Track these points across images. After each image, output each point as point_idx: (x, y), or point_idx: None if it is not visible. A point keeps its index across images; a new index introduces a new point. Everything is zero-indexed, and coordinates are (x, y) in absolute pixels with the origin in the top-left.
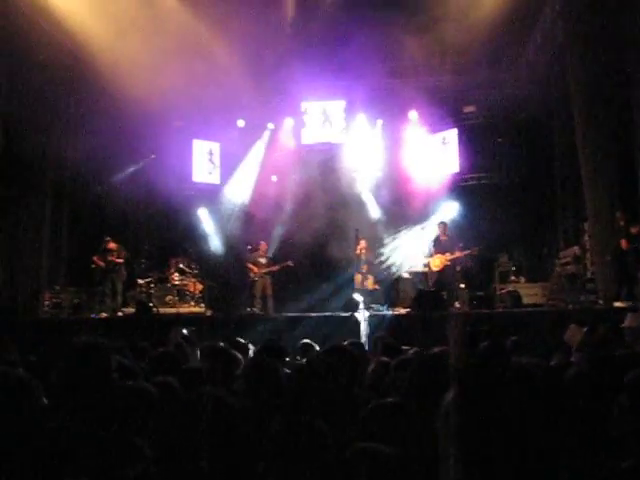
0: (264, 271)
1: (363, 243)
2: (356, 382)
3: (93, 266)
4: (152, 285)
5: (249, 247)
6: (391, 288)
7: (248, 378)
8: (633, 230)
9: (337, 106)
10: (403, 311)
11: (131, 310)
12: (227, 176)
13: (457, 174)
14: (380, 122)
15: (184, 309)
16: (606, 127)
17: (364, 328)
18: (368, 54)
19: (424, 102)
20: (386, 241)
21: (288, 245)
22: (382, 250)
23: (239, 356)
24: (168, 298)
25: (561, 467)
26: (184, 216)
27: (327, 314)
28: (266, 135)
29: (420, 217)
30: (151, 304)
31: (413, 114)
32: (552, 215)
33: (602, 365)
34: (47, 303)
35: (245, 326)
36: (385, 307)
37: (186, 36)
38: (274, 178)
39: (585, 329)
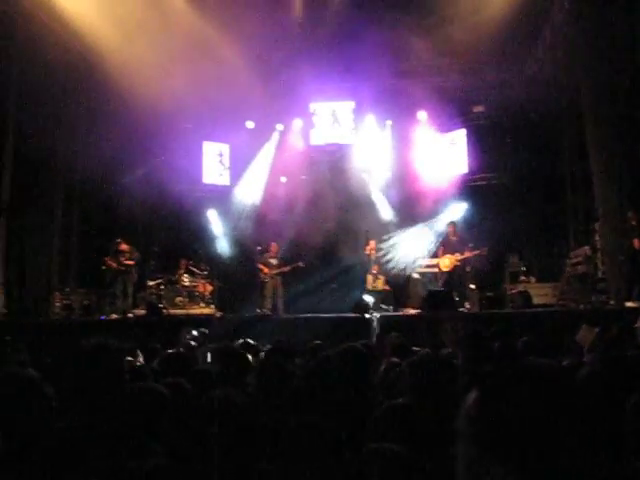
0: (275, 272)
1: (373, 244)
2: (368, 383)
3: (104, 267)
4: (162, 286)
5: (259, 248)
6: (401, 289)
7: (259, 379)
8: None
9: (346, 107)
10: (413, 311)
11: (141, 311)
12: (236, 177)
13: (466, 174)
14: (389, 122)
15: (194, 310)
16: (616, 127)
17: (375, 329)
18: (377, 55)
19: (433, 102)
20: (395, 241)
21: (298, 246)
22: (392, 250)
23: (250, 357)
24: (178, 299)
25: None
26: (194, 217)
27: (337, 315)
28: (275, 136)
29: (429, 217)
30: (161, 305)
31: (422, 114)
32: (562, 215)
33: (614, 365)
34: (58, 304)
35: (255, 327)
36: (391, 308)
37: (194, 38)
38: (283, 179)
39: (597, 329)
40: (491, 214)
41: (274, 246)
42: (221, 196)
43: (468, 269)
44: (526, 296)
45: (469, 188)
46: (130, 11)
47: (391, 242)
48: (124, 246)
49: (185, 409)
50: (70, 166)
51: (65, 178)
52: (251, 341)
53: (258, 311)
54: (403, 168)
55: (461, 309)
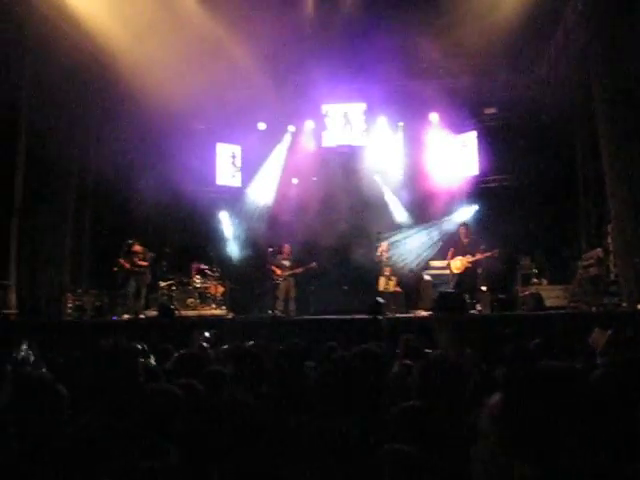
0: (287, 273)
1: (385, 245)
2: (381, 384)
3: (115, 269)
4: (173, 288)
5: (270, 249)
6: (412, 290)
7: (272, 380)
8: None
9: (357, 108)
10: (425, 313)
11: (153, 313)
12: (248, 179)
13: (478, 176)
14: (401, 124)
15: (205, 311)
16: (629, 129)
17: (387, 331)
18: (388, 56)
19: (445, 104)
20: (407, 243)
21: (311, 247)
22: (403, 252)
23: (263, 358)
24: (189, 301)
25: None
26: (206, 219)
27: (350, 317)
28: (287, 138)
29: (441, 219)
30: (172, 307)
31: (434, 116)
32: (574, 217)
33: (627, 368)
34: (70, 305)
35: (267, 328)
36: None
37: (206, 39)
38: (295, 180)
39: (609, 332)
40: (503, 216)
41: (286, 248)
42: (233, 197)
43: (479, 271)
44: (538, 298)
45: (481, 190)
46: (142, 12)
47: (403, 243)
48: (137, 247)
49: (198, 410)
50: (82, 167)
51: (77, 179)
52: (262, 342)
53: (270, 312)
54: (415, 170)
55: (472, 311)
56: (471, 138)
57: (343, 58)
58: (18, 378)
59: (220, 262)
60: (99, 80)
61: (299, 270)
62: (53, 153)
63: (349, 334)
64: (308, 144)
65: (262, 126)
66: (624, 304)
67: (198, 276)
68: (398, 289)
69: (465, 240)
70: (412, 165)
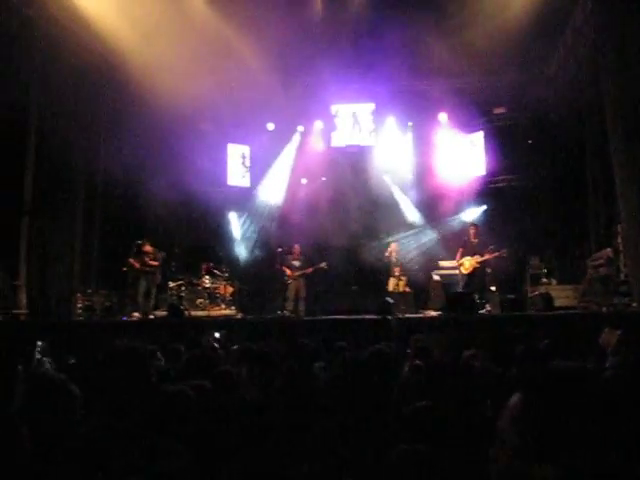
0: (298, 274)
1: (394, 246)
2: (393, 385)
3: (125, 269)
4: (183, 288)
5: (280, 249)
6: (422, 291)
7: (282, 381)
8: None
9: (366, 109)
10: (434, 313)
11: (162, 313)
12: (256, 179)
13: (487, 176)
14: (410, 124)
15: (215, 312)
16: (638, 127)
17: (396, 331)
18: (396, 56)
19: (454, 104)
20: (416, 242)
21: (321, 247)
22: (413, 252)
23: (273, 359)
24: (199, 301)
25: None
26: (216, 219)
27: (360, 317)
28: (296, 138)
29: (450, 219)
30: (182, 307)
31: (443, 116)
32: (583, 217)
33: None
34: (79, 305)
35: (276, 329)
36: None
37: (215, 40)
38: (304, 181)
39: (619, 332)
40: (512, 216)
41: (296, 248)
42: (242, 198)
43: (489, 271)
44: (547, 298)
45: (490, 190)
46: (151, 13)
47: (412, 243)
48: (148, 247)
49: (208, 410)
50: (92, 167)
51: (87, 179)
52: (272, 343)
53: (279, 313)
54: (424, 169)
55: (482, 311)
56: (479, 138)
57: (352, 58)
58: (31, 378)
59: (230, 262)
60: (108, 81)
61: (309, 270)
62: (62, 153)
63: (359, 334)
64: (317, 144)
65: (271, 126)
66: (634, 304)
67: (207, 276)
68: (407, 289)
69: (474, 240)
70: (421, 165)
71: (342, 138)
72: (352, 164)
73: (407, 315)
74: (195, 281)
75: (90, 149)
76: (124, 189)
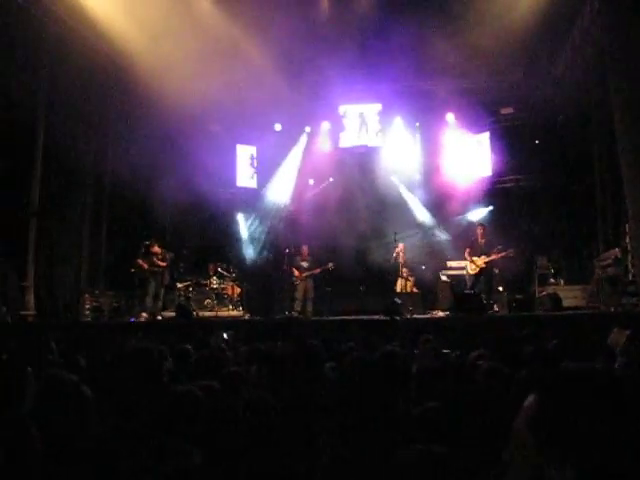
0: (306, 275)
1: (401, 246)
2: (403, 386)
3: (133, 269)
4: (190, 289)
5: (288, 250)
6: (430, 291)
7: (291, 382)
8: None
9: (373, 109)
10: (442, 314)
11: (170, 314)
12: (263, 180)
13: (494, 176)
14: (417, 124)
15: (222, 313)
16: None
17: (404, 331)
18: (404, 57)
19: (461, 104)
20: (424, 243)
21: (329, 248)
22: (420, 252)
23: (281, 360)
24: (206, 302)
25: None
26: (224, 220)
27: (368, 317)
28: (303, 139)
29: (458, 219)
30: (190, 307)
31: (450, 116)
32: (591, 217)
33: None
34: (87, 306)
35: (284, 329)
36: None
37: (222, 40)
38: (311, 181)
39: (628, 332)
40: (520, 216)
41: (304, 249)
42: (249, 199)
43: (496, 271)
44: (555, 299)
45: (498, 190)
46: (157, 14)
47: (420, 244)
48: (156, 248)
49: (217, 411)
50: (100, 168)
51: (95, 180)
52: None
53: (287, 313)
54: (431, 170)
55: (490, 312)
56: (486, 138)
57: (358, 59)
58: (44, 380)
59: (238, 263)
60: (116, 82)
61: (316, 271)
62: (70, 155)
63: (367, 335)
64: (324, 145)
65: (278, 127)
66: None
67: (215, 277)
68: (415, 290)
69: (481, 240)
70: (428, 165)
71: (349, 139)
72: (359, 164)
73: (415, 316)
74: (203, 282)
75: (98, 150)
76: (132, 190)
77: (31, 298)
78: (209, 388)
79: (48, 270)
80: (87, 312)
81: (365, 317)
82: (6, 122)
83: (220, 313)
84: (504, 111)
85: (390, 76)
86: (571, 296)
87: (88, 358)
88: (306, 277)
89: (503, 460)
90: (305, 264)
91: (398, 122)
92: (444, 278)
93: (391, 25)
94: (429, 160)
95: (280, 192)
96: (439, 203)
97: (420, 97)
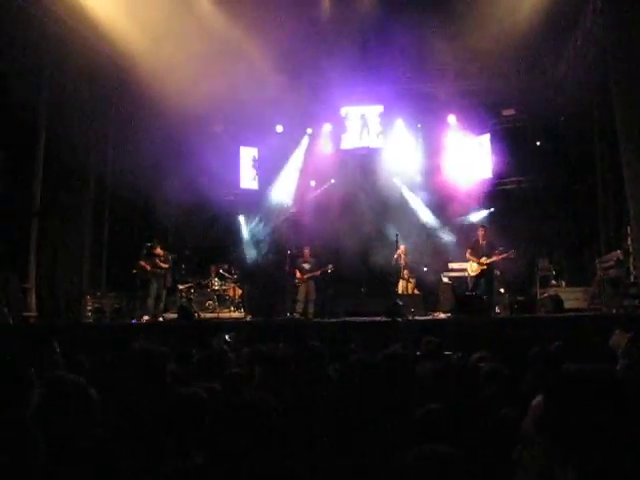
0: (307, 276)
1: (403, 248)
2: (406, 387)
3: (135, 271)
4: (192, 290)
5: (290, 252)
6: (432, 293)
7: (293, 383)
8: None
9: (374, 111)
10: (443, 315)
11: (172, 315)
12: (264, 182)
13: (496, 177)
14: (419, 126)
15: (224, 314)
16: None
17: (406, 333)
18: (405, 58)
19: (462, 106)
20: (425, 244)
21: (331, 250)
22: (422, 254)
23: (283, 361)
24: (208, 303)
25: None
26: (225, 221)
27: (369, 319)
28: (305, 140)
29: (459, 220)
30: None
31: (451, 118)
32: (593, 218)
33: None
34: (89, 308)
35: (285, 331)
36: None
37: (223, 42)
38: (313, 183)
39: (629, 334)
40: (521, 217)
41: (306, 251)
42: (251, 200)
43: (498, 273)
44: (557, 300)
45: (499, 191)
46: (159, 15)
47: (422, 245)
48: (158, 250)
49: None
50: (102, 169)
51: (96, 181)
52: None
53: (288, 315)
54: (433, 171)
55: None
56: (486, 140)
57: (360, 60)
58: (49, 382)
59: (239, 264)
60: (119, 83)
61: (316, 273)
62: (72, 156)
63: (368, 336)
64: (326, 147)
65: (280, 129)
66: None
67: (217, 279)
68: (417, 291)
69: (483, 242)
70: (430, 167)
71: (351, 140)
72: (361, 166)
73: (417, 317)
74: (204, 283)
75: (100, 151)
76: (134, 191)
77: (33, 299)
78: (211, 390)
79: (50, 271)
80: (89, 313)
81: (367, 319)
82: (8, 123)
83: (221, 315)
84: (506, 112)
85: (391, 78)
86: (573, 298)
87: (90, 359)
88: (308, 279)
89: (512, 460)
90: (307, 266)
91: (399, 124)
92: (446, 280)
93: (392, 27)
94: (430, 162)
95: (282, 194)
96: (441, 204)
97: (421, 99)
